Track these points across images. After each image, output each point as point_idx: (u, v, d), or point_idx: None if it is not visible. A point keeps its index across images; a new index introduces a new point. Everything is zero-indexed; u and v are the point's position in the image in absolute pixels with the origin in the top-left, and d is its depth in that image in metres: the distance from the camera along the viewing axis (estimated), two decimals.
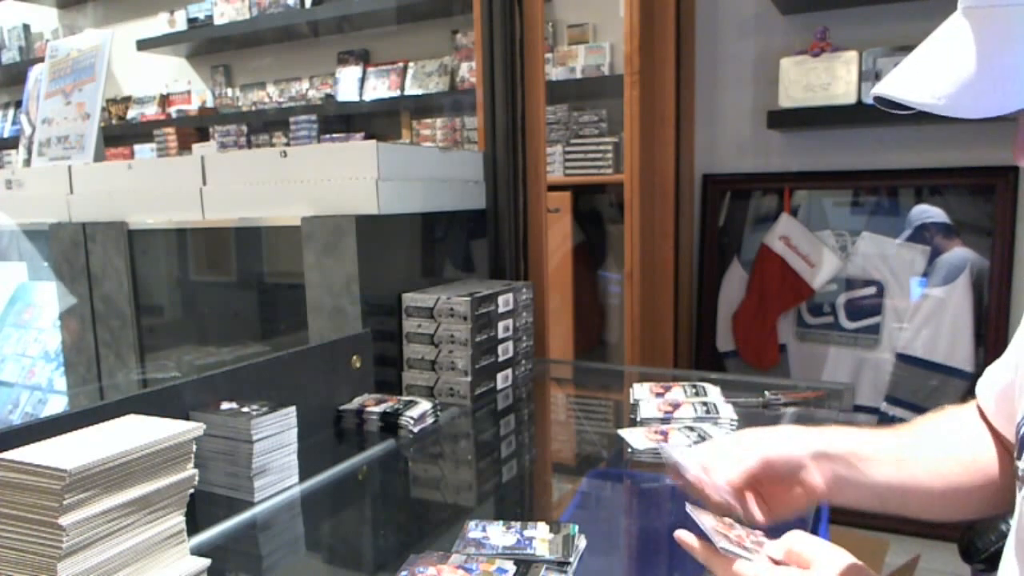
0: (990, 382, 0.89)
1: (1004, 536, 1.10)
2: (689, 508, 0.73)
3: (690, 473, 0.78)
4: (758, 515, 0.78)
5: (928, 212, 2.29)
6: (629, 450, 1.18)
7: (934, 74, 0.60)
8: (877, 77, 2.16)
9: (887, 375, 2.32)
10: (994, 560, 1.09)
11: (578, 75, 2.99)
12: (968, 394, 0.95)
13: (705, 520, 0.72)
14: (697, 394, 1.40)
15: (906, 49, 2.16)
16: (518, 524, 0.90)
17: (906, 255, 2.30)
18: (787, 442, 0.81)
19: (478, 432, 1.42)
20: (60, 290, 1.98)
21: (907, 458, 0.85)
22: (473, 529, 0.89)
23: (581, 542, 0.86)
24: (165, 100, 4.44)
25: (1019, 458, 0.73)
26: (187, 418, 0.99)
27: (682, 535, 0.73)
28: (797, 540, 0.72)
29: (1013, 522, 0.76)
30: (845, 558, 0.69)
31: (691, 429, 1.23)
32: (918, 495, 0.85)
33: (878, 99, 0.64)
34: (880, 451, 0.84)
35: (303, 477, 1.12)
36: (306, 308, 1.51)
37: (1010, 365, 0.86)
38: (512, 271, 1.85)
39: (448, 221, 1.75)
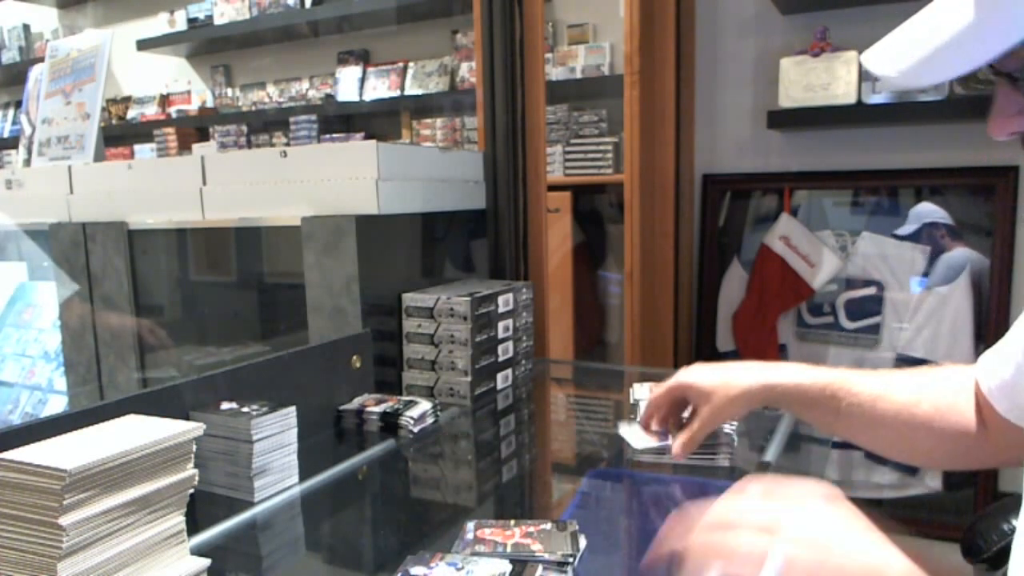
0: (991, 371, 0.89)
1: (1007, 535, 1.10)
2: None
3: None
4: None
5: (936, 212, 2.28)
6: (629, 450, 1.18)
7: (898, 46, 0.64)
8: (877, 77, 2.16)
9: None
10: (996, 559, 1.09)
11: (578, 75, 2.99)
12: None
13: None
14: None
15: None
16: (518, 524, 0.90)
17: (906, 255, 2.30)
18: (744, 373, 0.97)
19: (478, 432, 1.42)
20: (60, 290, 1.98)
21: (887, 391, 0.91)
22: (473, 529, 0.89)
23: (581, 542, 0.86)
24: (165, 100, 4.45)
25: None
26: (187, 418, 0.99)
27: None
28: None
29: (1020, 521, 0.76)
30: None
31: None
32: (888, 428, 0.91)
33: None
34: (859, 385, 0.92)
35: (303, 477, 1.12)
36: (306, 308, 1.51)
37: (1012, 359, 0.86)
38: (512, 271, 1.85)
39: (448, 221, 1.75)
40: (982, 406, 0.90)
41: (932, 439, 0.91)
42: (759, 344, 2.48)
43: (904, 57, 0.62)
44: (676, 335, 2.44)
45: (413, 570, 0.79)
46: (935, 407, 0.91)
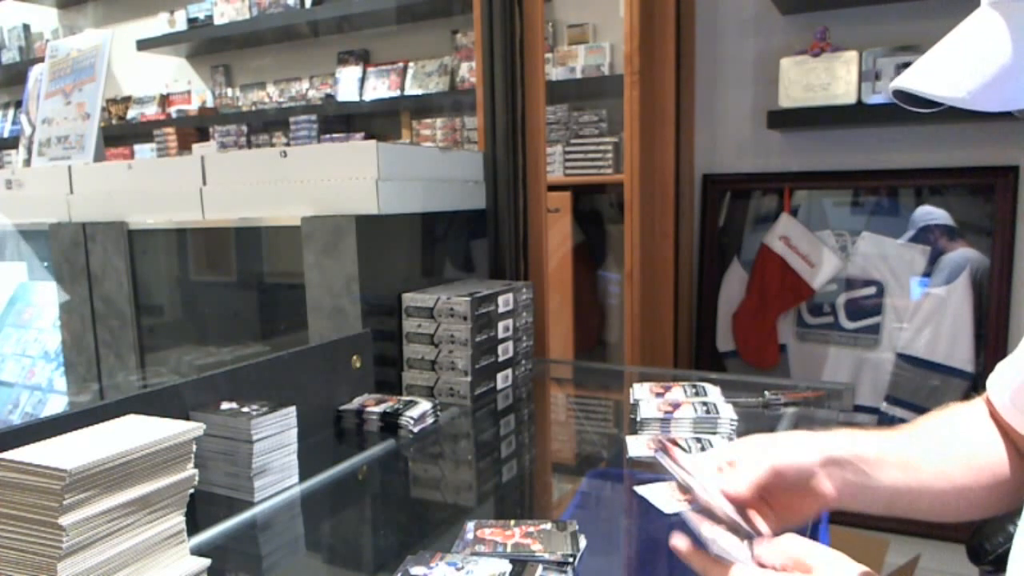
0: (1003, 379, 0.87)
1: (1012, 538, 1.10)
2: (686, 514, 0.71)
3: (699, 496, 0.73)
4: (763, 527, 0.73)
5: (933, 213, 2.28)
6: (628, 457, 1.17)
7: (959, 67, 0.59)
8: (877, 77, 2.16)
9: (887, 375, 2.32)
10: (1002, 562, 1.09)
11: (578, 75, 2.99)
12: (969, 393, 0.93)
13: (703, 528, 0.70)
14: (697, 394, 1.40)
15: (906, 49, 2.17)
16: (518, 524, 0.90)
17: (906, 255, 2.30)
18: (796, 449, 0.77)
19: (478, 432, 1.42)
20: (60, 290, 1.98)
21: (913, 460, 0.83)
22: (473, 529, 0.89)
23: (581, 542, 0.86)
24: (165, 100, 4.44)
25: None
26: (187, 418, 0.99)
27: (676, 543, 0.70)
28: (794, 544, 0.69)
29: (1021, 522, 0.76)
30: (845, 563, 0.67)
31: (696, 440, 1.23)
32: (926, 498, 0.83)
33: (896, 93, 0.63)
34: (887, 454, 0.82)
35: (303, 477, 1.12)
36: (306, 308, 1.51)
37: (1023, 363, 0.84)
38: (512, 271, 1.85)
39: (448, 221, 1.75)
40: (1010, 434, 0.86)
41: (972, 499, 0.85)
42: (759, 344, 2.48)
43: (968, 77, 0.58)
44: (676, 335, 2.44)
45: (413, 570, 0.79)
46: (966, 464, 0.85)
